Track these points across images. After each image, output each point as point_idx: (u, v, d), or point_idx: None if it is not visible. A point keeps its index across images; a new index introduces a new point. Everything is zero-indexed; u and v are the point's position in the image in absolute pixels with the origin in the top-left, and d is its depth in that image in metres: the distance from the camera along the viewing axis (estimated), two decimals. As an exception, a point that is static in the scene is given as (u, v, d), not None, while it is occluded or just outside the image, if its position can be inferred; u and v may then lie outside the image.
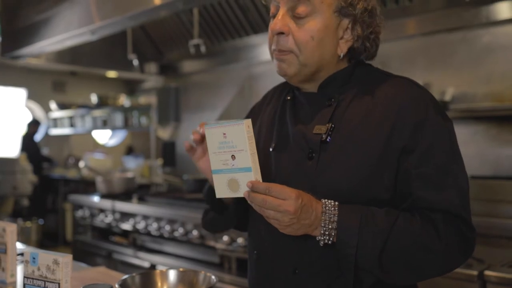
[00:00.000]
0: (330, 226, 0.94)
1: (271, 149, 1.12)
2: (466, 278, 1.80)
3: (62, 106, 6.68)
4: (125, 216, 3.51)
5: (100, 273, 1.63)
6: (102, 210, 3.76)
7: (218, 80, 4.59)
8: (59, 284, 1.13)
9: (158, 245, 3.24)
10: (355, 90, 1.07)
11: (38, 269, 1.15)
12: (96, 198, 3.87)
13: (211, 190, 1.02)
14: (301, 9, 1.01)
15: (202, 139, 1.11)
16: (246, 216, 1.21)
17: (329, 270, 1.01)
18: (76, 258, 1.31)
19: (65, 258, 1.14)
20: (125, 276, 1.09)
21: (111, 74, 6.01)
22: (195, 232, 2.89)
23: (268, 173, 1.07)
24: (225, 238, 2.66)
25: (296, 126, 1.09)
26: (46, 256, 1.15)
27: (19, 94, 6.90)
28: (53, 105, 6.75)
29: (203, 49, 3.69)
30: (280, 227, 0.94)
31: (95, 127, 6.01)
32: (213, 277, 1.09)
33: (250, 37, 3.76)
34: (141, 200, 3.60)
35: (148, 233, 3.29)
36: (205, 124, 1.12)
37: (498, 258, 1.96)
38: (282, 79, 1.16)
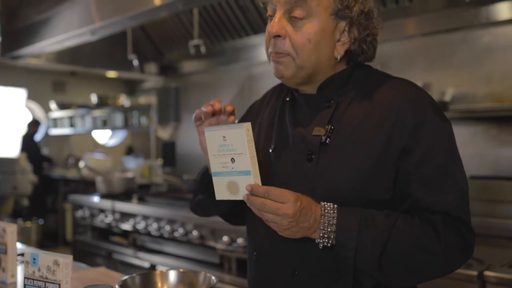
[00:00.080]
0: (329, 229, 0.95)
1: (270, 150, 1.12)
2: (465, 279, 1.80)
3: (62, 106, 6.68)
4: (125, 216, 3.51)
5: (100, 273, 1.64)
6: (102, 210, 3.77)
7: (218, 80, 4.59)
8: (59, 284, 1.13)
9: (158, 245, 3.24)
10: (354, 92, 1.07)
11: (39, 269, 1.16)
12: (96, 198, 3.87)
13: (206, 172, 1.01)
14: (298, 12, 1.01)
15: (212, 114, 1.10)
16: (237, 209, 1.21)
17: (328, 272, 1.01)
18: (76, 258, 1.31)
19: (65, 259, 1.14)
20: (125, 277, 1.10)
21: (111, 74, 6.02)
22: (195, 233, 2.89)
23: (268, 174, 1.07)
24: (225, 238, 2.66)
25: (295, 128, 1.09)
26: (46, 257, 1.15)
27: (19, 94, 6.90)
28: (53, 105, 6.76)
29: (203, 49, 3.69)
30: (279, 230, 0.94)
31: (95, 127, 6.02)
32: (213, 277, 1.09)
33: (250, 38, 3.76)
34: (141, 200, 3.60)
35: (148, 233, 3.29)
36: (206, 124, 1.13)
37: (498, 258, 1.96)
38: (281, 80, 1.16)
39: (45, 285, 1.15)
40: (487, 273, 1.79)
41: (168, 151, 4.99)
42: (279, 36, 1.03)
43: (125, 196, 3.78)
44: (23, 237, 4.83)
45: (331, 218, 0.95)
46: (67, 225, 5.99)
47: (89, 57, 4.84)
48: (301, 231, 0.94)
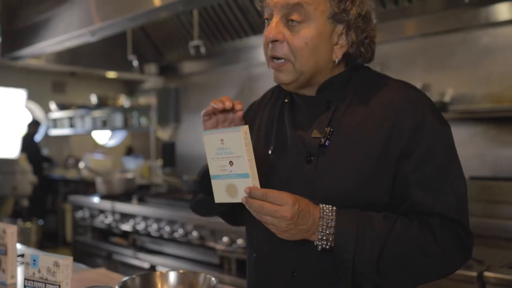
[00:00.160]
0: (327, 231, 0.95)
1: (270, 152, 1.12)
2: (465, 279, 1.81)
3: (62, 107, 6.68)
4: (125, 217, 3.51)
5: (101, 274, 1.64)
6: (102, 211, 3.77)
7: (218, 81, 4.59)
8: (59, 286, 1.13)
9: (158, 246, 3.24)
10: (353, 94, 1.07)
11: (39, 271, 1.16)
12: (96, 199, 3.87)
13: (206, 172, 1.02)
14: (295, 16, 1.01)
15: (221, 111, 1.10)
16: (236, 209, 1.21)
17: (327, 275, 1.01)
18: (76, 259, 1.31)
19: (65, 260, 1.14)
20: (125, 278, 1.10)
21: (111, 74, 6.02)
22: (195, 233, 2.89)
23: (267, 176, 1.08)
24: (225, 239, 2.66)
25: (295, 130, 1.10)
26: (46, 258, 1.15)
27: (19, 94, 6.90)
28: (53, 105, 6.76)
29: (203, 50, 3.70)
30: (278, 232, 0.94)
31: (95, 127, 6.02)
32: (213, 278, 1.10)
33: (250, 38, 3.77)
34: (141, 201, 3.60)
35: (148, 234, 3.29)
36: (205, 126, 1.13)
37: (498, 259, 1.96)
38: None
39: (45, 286, 1.15)
40: (486, 274, 1.80)
41: (168, 152, 4.99)
42: (276, 40, 1.03)
43: (125, 196, 3.78)
44: (23, 237, 4.83)
45: (329, 221, 0.95)
46: (67, 226, 5.99)
47: (89, 57, 4.85)
48: (300, 233, 0.95)
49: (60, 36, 3.45)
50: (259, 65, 4.03)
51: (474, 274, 1.79)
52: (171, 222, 3.10)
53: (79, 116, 6.19)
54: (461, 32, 2.77)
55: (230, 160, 0.95)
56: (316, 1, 1.00)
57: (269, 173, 1.09)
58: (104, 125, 5.75)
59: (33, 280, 1.17)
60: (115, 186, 3.92)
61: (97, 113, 5.86)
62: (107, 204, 3.69)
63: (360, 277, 0.98)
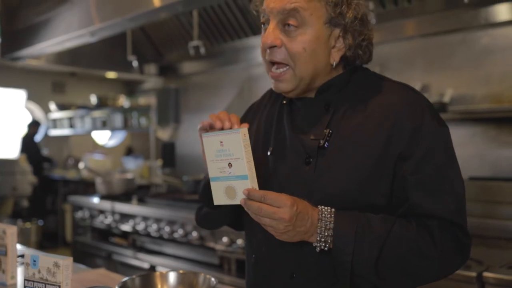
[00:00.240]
0: (326, 233, 0.95)
1: (269, 153, 1.12)
2: (464, 280, 1.81)
3: (61, 107, 6.69)
4: (125, 217, 3.51)
5: (100, 275, 1.64)
6: (101, 211, 3.77)
7: (218, 81, 4.59)
8: (59, 286, 1.13)
9: (157, 246, 3.25)
10: (352, 96, 1.07)
11: (39, 271, 1.16)
12: (95, 199, 3.87)
13: (207, 187, 1.02)
14: (292, 21, 1.01)
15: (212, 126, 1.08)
16: (241, 215, 1.21)
17: (326, 276, 1.01)
18: (75, 259, 1.31)
19: (65, 261, 1.14)
20: (125, 279, 1.10)
21: (111, 75, 6.02)
22: (194, 233, 2.89)
23: (266, 177, 1.08)
24: (225, 239, 2.66)
25: (294, 131, 1.10)
26: (46, 259, 1.15)
27: (18, 95, 6.90)
28: (52, 106, 6.76)
29: (202, 50, 3.70)
30: (276, 234, 0.94)
31: (95, 127, 6.02)
32: (212, 279, 1.10)
33: (250, 39, 3.77)
34: (141, 201, 3.60)
35: (148, 234, 3.29)
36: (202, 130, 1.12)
37: (497, 259, 1.96)
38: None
39: (45, 287, 1.15)
40: (486, 274, 1.80)
41: (167, 152, 4.99)
42: (275, 46, 1.03)
43: (124, 197, 3.78)
44: (23, 238, 4.83)
45: (328, 222, 0.95)
46: (66, 226, 5.99)
47: (89, 58, 4.85)
48: (298, 235, 0.95)
49: (60, 37, 3.45)
50: (259, 66, 4.03)
51: (474, 274, 1.80)
52: (171, 223, 3.10)
53: (79, 116, 6.19)
54: (460, 33, 2.77)
55: (229, 162, 0.96)
56: (312, 7, 1.00)
57: (268, 175, 1.09)
58: (104, 125, 5.75)
59: (33, 281, 1.17)
60: (115, 186, 3.93)
61: (97, 114, 5.86)
62: (107, 205, 3.69)
63: (359, 278, 0.98)
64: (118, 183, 3.95)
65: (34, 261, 1.17)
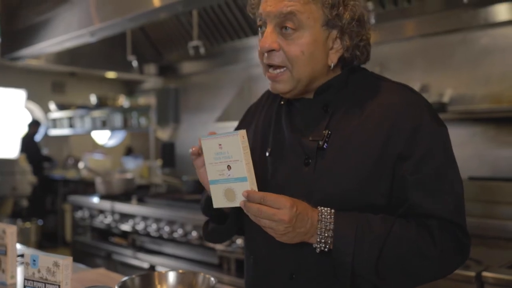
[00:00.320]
0: (326, 234, 0.95)
1: (267, 154, 1.12)
2: (463, 279, 1.81)
3: (61, 107, 6.69)
4: (125, 217, 3.52)
5: (100, 274, 1.64)
6: (101, 211, 3.77)
7: (218, 81, 4.60)
8: (59, 286, 1.14)
9: (157, 246, 3.25)
10: (350, 97, 1.07)
11: (39, 271, 1.16)
12: (95, 199, 3.88)
13: (210, 201, 1.02)
14: (289, 24, 1.01)
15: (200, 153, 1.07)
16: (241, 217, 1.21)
17: (325, 276, 1.02)
18: (75, 259, 1.31)
19: (65, 261, 1.14)
20: (125, 278, 1.10)
21: (111, 75, 6.02)
22: (194, 233, 2.89)
23: (265, 178, 1.08)
24: (224, 239, 2.66)
25: (292, 132, 1.10)
26: (46, 259, 1.16)
27: (18, 95, 6.90)
28: (52, 105, 6.76)
29: (202, 50, 3.70)
30: (276, 235, 0.94)
31: (95, 127, 6.02)
32: (212, 278, 1.10)
33: (249, 39, 3.77)
34: (141, 201, 3.60)
35: (148, 234, 3.29)
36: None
37: (496, 259, 1.96)
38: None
39: (45, 286, 1.15)
40: (485, 273, 1.80)
41: (167, 152, 4.99)
42: (273, 50, 1.03)
43: (124, 197, 3.78)
44: (22, 238, 4.83)
45: (328, 223, 0.95)
46: (66, 226, 5.99)
47: (89, 58, 4.85)
48: (298, 236, 0.95)
49: (60, 37, 3.46)
50: (259, 66, 3.96)
51: (473, 274, 1.80)
52: (170, 222, 3.10)
53: (79, 116, 6.19)
54: (460, 33, 2.77)
55: (228, 164, 0.96)
56: (308, 10, 1.00)
57: (266, 176, 1.09)
58: (104, 125, 5.76)
59: (33, 280, 1.17)
60: (114, 186, 3.93)
61: (97, 113, 5.87)
62: (106, 204, 3.69)
63: (359, 278, 0.98)
64: (117, 183, 3.95)
65: (34, 260, 1.17)
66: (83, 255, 3.82)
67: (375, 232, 0.96)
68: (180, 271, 1.17)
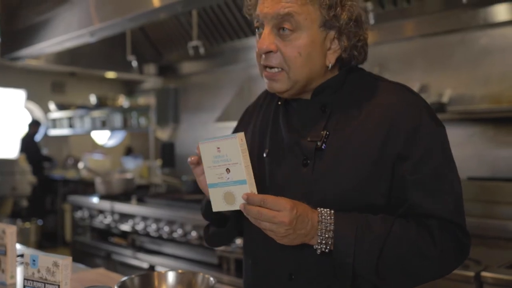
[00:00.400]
0: (326, 235, 0.95)
1: (264, 155, 1.12)
2: (463, 279, 1.81)
3: (61, 107, 6.69)
4: (124, 217, 3.52)
5: (100, 274, 1.64)
6: (101, 211, 3.77)
7: (217, 81, 4.60)
8: (58, 286, 1.14)
9: (157, 246, 3.25)
10: (348, 97, 1.07)
11: (38, 271, 1.16)
12: (95, 199, 3.88)
13: (210, 205, 1.02)
14: (286, 26, 1.01)
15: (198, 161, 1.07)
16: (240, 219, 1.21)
17: (325, 276, 1.02)
18: (75, 259, 1.32)
19: (65, 261, 1.14)
20: (124, 278, 1.10)
21: (110, 75, 6.02)
22: (194, 233, 2.89)
23: (263, 179, 1.08)
24: (224, 239, 2.66)
25: (290, 133, 1.10)
26: (46, 259, 1.16)
27: (18, 95, 6.90)
28: (52, 105, 6.76)
29: (202, 50, 3.70)
30: (277, 238, 0.94)
31: (94, 127, 6.02)
32: (211, 278, 1.10)
33: (249, 39, 3.77)
34: (140, 201, 3.60)
35: (147, 234, 3.30)
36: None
37: (495, 259, 1.97)
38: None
39: (44, 286, 1.15)
40: (484, 273, 1.80)
41: (167, 152, 4.99)
42: (270, 51, 1.03)
43: (124, 197, 3.79)
44: (22, 238, 4.83)
45: (328, 224, 0.95)
46: (66, 226, 5.99)
47: (89, 58, 4.85)
48: (299, 238, 0.95)
49: (60, 37, 3.46)
50: (258, 66, 4.02)
51: (472, 274, 1.80)
52: (170, 222, 3.11)
53: (79, 116, 6.19)
54: (459, 33, 2.78)
55: (227, 167, 0.95)
56: (306, 11, 1.00)
57: (265, 177, 1.09)
58: (103, 125, 5.76)
59: (33, 280, 1.17)
60: (114, 186, 3.93)
61: (97, 113, 5.87)
62: (106, 204, 3.69)
63: (359, 278, 0.98)
64: (117, 183, 3.95)
65: (34, 260, 1.17)
66: (83, 255, 3.82)
67: (375, 232, 0.96)
68: (180, 271, 1.17)
